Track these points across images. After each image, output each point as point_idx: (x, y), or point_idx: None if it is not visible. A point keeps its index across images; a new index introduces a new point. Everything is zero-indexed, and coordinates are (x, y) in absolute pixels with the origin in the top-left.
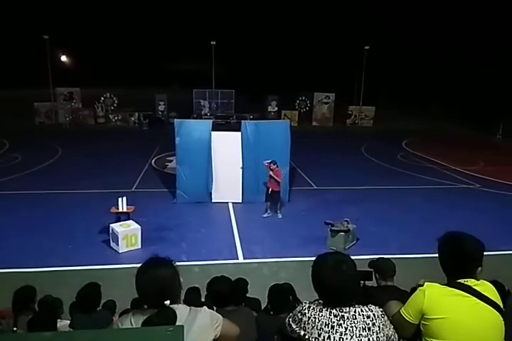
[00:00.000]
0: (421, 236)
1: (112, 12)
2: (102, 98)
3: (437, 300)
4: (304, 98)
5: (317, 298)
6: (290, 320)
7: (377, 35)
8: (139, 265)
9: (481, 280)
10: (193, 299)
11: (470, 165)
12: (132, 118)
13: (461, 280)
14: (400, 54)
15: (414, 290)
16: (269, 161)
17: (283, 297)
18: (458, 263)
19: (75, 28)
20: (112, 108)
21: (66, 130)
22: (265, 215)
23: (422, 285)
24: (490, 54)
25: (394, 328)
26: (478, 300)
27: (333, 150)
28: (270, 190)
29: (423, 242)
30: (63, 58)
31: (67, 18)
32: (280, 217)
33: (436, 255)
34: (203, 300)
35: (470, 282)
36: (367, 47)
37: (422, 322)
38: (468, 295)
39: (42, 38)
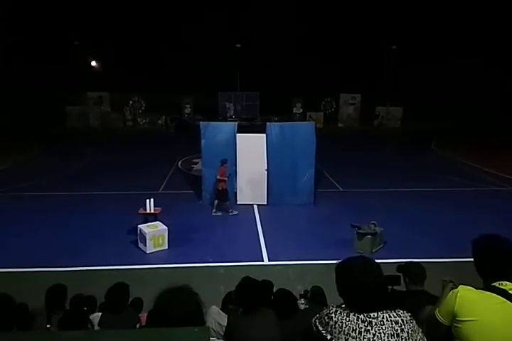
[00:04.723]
0: (451, 240)
1: (139, 18)
2: (131, 102)
3: (469, 302)
4: (329, 99)
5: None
6: (317, 321)
7: (404, 34)
8: (166, 265)
9: None
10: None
11: (502, 167)
12: (159, 121)
13: (496, 284)
14: (428, 53)
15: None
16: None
17: (289, 301)
18: (493, 265)
19: (103, 34)
20: (140, 111)
21: (96, 133)
22: (219, 213)
23: (447, 281)
24: None
25: (427, 328)
26: None
27: (359, 152)
28: (221, 188)
29: (453, 246)
30: (93, 63)
31: (96, 25)
32: (217, 213)
33: (467, 259)
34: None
35: (506, 285)
36: (394, 47)
37: (454, 324)
38: (503, 299)
39: (73, 44)
